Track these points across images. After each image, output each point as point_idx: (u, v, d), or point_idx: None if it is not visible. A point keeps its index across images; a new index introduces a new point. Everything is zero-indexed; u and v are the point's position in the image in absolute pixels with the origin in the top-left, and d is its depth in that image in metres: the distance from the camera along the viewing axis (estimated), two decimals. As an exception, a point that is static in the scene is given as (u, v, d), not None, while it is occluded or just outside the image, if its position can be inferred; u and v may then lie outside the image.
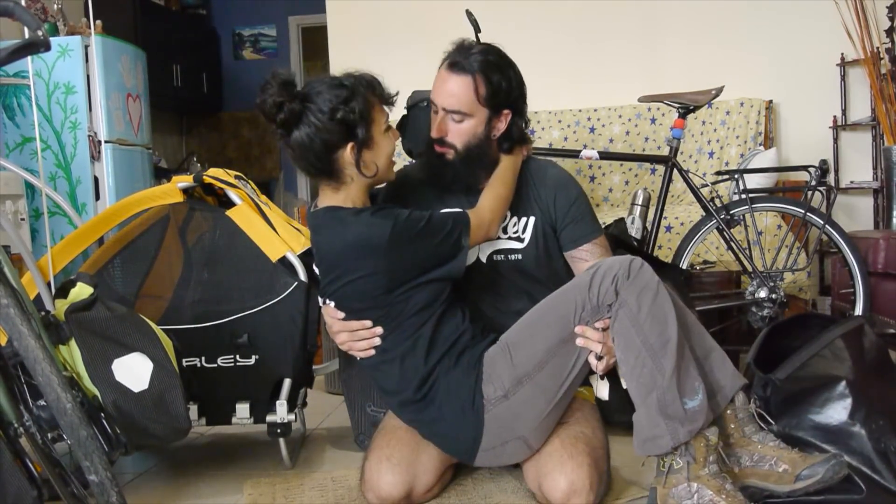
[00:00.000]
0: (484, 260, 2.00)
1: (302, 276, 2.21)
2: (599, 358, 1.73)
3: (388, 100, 1.86)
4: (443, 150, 1.94)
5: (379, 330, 1.81)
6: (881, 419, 1.69)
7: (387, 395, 1.91)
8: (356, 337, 1.84)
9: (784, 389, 1.80)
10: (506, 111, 1.94)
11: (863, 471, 1.66)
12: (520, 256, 2.00)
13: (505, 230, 2.00)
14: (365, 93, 1.78)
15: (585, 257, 1.98)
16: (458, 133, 1.92)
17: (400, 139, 2.84)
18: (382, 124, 1.82)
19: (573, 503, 1.72)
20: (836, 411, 1.72)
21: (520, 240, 2.00)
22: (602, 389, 1.89)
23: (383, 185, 1.94)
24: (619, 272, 1.67)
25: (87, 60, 3.79)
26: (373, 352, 1.84)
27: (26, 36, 1.44)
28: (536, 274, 2.01)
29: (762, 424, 1.75)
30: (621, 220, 2.79)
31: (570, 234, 2.00)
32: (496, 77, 1.90)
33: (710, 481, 1.60)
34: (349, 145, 1.76)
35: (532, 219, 2.00)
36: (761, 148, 3.80)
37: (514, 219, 2.01)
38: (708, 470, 1.61)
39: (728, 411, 1.74)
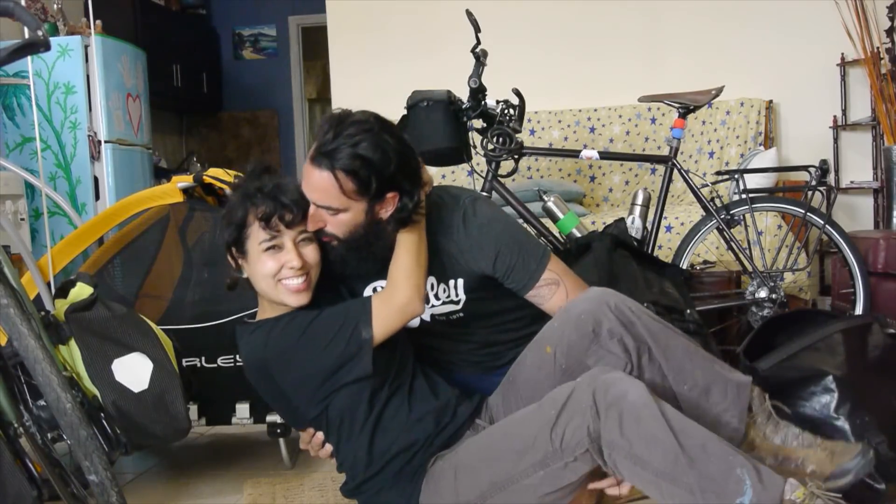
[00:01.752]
0: (428, 319, 1.84)
1: None
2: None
3: (265, 219, 1.63)
4: (327, 239, 1.70)
5: (320, 436, 1.70)
6: (867, 415, 1.70)
7: None
8: (313, 448, 1.74)
9: (768, 379, 1.80)
10: (390, 194, 1.66)
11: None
12: (461, 314, 1.84)
13: (437, 297, 1.81)
14: (247, 203, 1.65)
15: (539, 302, 1.79)
16: (337, 224, 1.67)
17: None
18: (257, 242, 1.64)
19: None
20: (821, 404, 1.74)
21: (454, 302, 1.83)
22: None
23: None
24: (588, 414, 1.45)
25: (87, 60, 3.79)
26: (334, 460, 1.73)
27: (26, 36, 1.44)
28: (489, 310, 1.86)
29: (779, 418, 1.64)
30: (621, 220, 2.78)
31: (514, 285, 1.80)
32: (364, 171, 1.61)
33: None
34: (232, 249, 1.69)
35: (460, 280, 1.80)
36: (761, 148, 3.80)
37: (443, 285, 1.81)
38: None
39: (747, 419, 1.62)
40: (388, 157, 1.64)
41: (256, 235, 1.64)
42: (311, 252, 1.67)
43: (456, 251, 1.78)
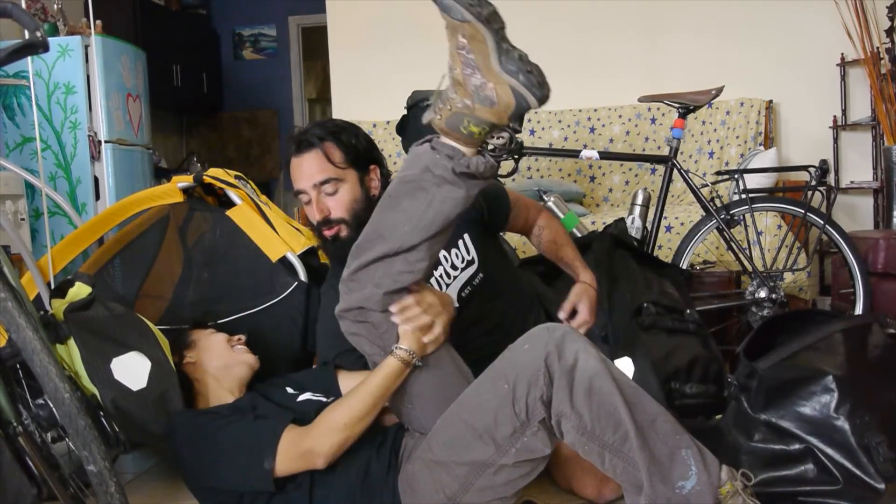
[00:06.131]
0: (457, 303, 1.90)
1: (302, 276, 2.21)
2: None
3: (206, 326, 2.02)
4: (333, 231, 1.83)
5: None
6: (867, 415, 1.70)
7: None
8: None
9: (768, 379, 1.80)
10: (373, 166, 1.87)
11: (844, 464, 1.68)
12: (482, 275, 1.93)
13: (454, 267, 1.92)
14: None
15: (515, 220, 2.04)
16: (339, 203, 1.81)
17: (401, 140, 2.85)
18: (203, 331, 1.95)
19: (605, 494, 1.78)
20: (821, 404, 1.73)
21: (471, 262, 1.93)
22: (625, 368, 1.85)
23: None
24: (541, 381, 1.44)
25: (87, 60, 3.79)
26: None
27: (26, 37, 1.44)
28: (501, 268, 1.99)
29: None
30: (621, 220, 2.78)
31: (498, 214, 2.01)
32: (344, 138, 1.83)
33: None
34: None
35: (465, 235, 1.93)
36: (761, 148, 3.80)
37: (454, 250, 1.92)
38: None
39: None
40: (356, 129, 1.88)
41: (200, 330, 1.95)
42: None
43: None
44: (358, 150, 1.84)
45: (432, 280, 1.93)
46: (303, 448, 1.56)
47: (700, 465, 1.42)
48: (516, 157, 2.80)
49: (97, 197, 3.82)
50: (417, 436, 1.65)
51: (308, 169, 1.81)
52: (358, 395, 1.59)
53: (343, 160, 1.81)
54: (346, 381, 1.86)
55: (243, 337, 1.96)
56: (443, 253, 1.91)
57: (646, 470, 1.39)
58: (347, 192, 1.82)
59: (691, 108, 2.85)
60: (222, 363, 1.87)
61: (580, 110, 4.23)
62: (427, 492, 1.54)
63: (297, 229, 2.34)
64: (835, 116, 4.03)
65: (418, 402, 1.61)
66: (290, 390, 1.85)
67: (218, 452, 1.61)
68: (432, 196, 1.48)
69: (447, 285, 1.93)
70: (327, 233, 1.83)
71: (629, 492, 1.45)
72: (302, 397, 1.81)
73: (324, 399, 1.78)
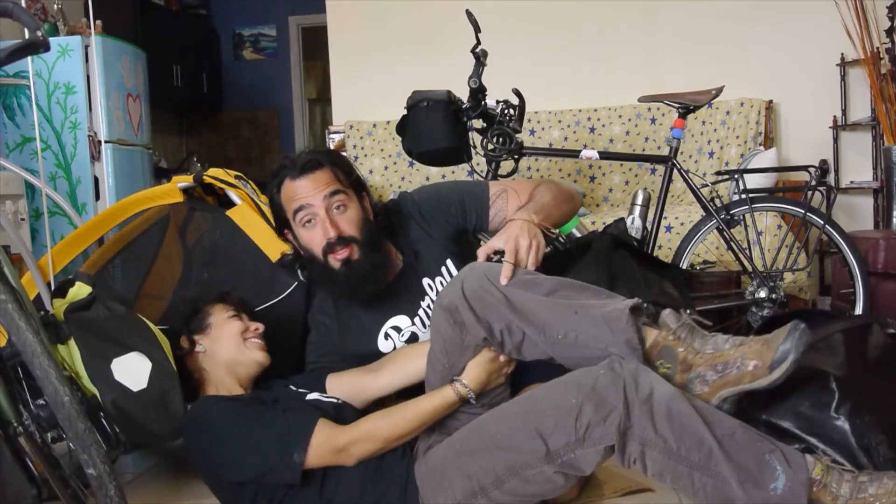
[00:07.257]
0: None
1: (302, 276, 2.20)
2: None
3: (231, 301, 1.97)
4: (346, 252, 1.81)
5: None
6: (868, 416, 1.69)
7: None
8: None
9: None
10: (364, 193, 1.91)
11: (844, 464, 1.67)
12: None
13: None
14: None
15: (502, 216, 1.90)
16: (350, 221, 1.83)
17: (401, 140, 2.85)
18: (224, 313, 1.92)
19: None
20: (821, 404, 1.72)
21: None
22: None
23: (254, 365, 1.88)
24: (619, 409, 1.46)
25: (87, 60, 3.79)
26: None
27: (26, 36, 1.44)
28: None
29: (704, 331, 1.60)
30: (621, 220, 2.78)
31: (477, 216, 1.94)
32: (344, 162, 1.89)
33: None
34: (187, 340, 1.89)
35: (448, 261, 1.94)
36: (761, 148, 3.80)
37: (439, 279, 1.94)
38: (844, 492, 1.44)
39: (670, 336, 1.59)
40: (346, 157, 1.90)
41: (221, 310, 1.92)
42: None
43: (424, 233, 1.92)
44: (353, 173, 1.90)
45: (420, 312, 1.94)
46: (338, 446, 1.60)
47: (784, 464, 1.44)
48: (516, 157, 2.80)
49: (97, 197, 3.82)
50: (437, 429, 1.68)
51: (320, 182, 1.82)
52: (406, 414, 1.64)
53: (346, 180, 1.85)
54: (333, 381, 1.88)
55: (261, 327, 1.91)
56: (427, 282, 1.93)
57: (736, 480, 1.41)
58: (355, 210, 1.84)
59: (691, 108, 2.85)
60: (231, 358, 1.85)
61: (580, 110, 4.23)
62: (456, 477, 1.56)
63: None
64: (835, 116, 4.03)
65: (463, 417, 1.68)
66: (294, 388, 1.85)
67: (246, 441, 1.62)
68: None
69: None
70: (340, 254, 1.82)
71: None
72: (310, 396, 1.80)
73: (335, 400, 1.79)
